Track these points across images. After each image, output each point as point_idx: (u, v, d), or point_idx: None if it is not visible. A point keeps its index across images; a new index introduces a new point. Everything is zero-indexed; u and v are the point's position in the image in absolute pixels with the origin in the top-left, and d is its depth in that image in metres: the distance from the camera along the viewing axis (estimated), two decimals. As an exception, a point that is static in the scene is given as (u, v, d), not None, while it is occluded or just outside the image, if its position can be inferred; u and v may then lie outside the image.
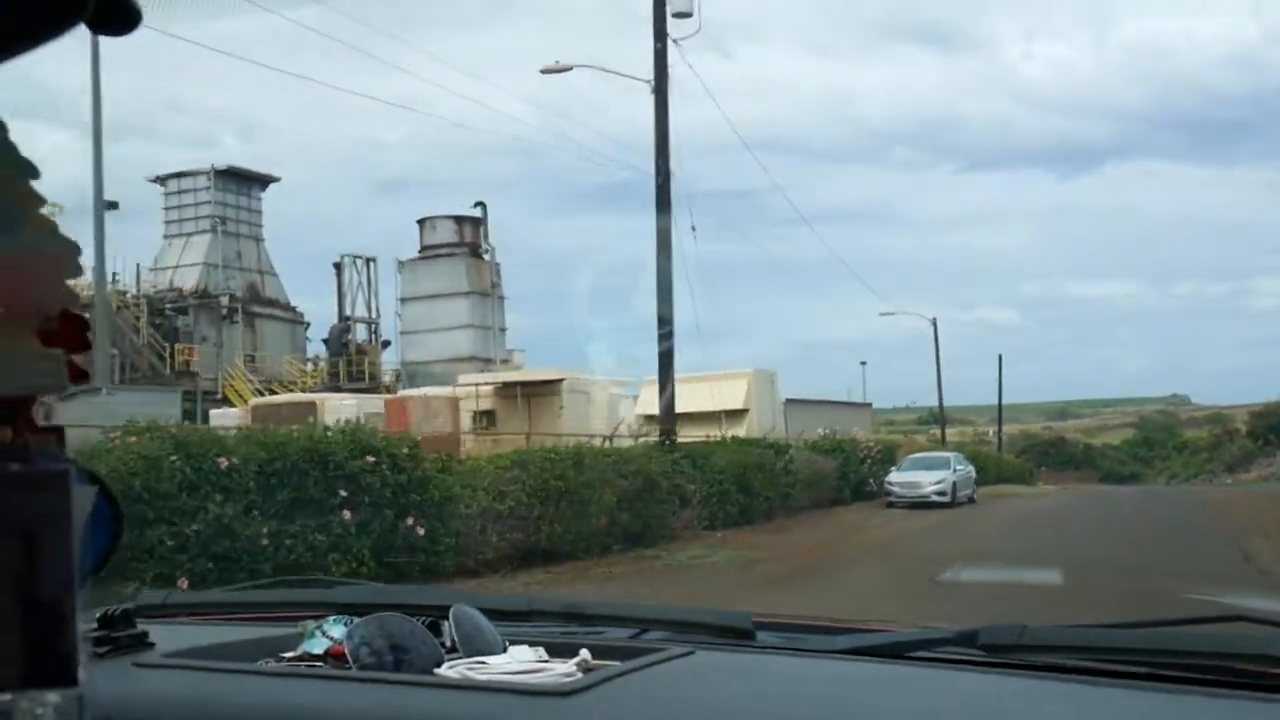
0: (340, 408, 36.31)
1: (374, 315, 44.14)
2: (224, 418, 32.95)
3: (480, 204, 43.29)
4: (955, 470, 31.09)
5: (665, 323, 21.83)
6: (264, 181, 45.63)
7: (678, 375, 42.88)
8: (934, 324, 48.96)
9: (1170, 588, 11.42)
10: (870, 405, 69.33)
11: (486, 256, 43.89)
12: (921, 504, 29.28)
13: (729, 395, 40.88)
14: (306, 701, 1.44)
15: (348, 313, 44.48)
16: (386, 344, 44.49)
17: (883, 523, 25.11)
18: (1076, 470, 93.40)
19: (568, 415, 35.23)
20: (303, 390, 40.44)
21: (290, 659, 1.66)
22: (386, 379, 43.64)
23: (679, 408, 39.66)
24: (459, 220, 43.20)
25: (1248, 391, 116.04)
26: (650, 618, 1.90)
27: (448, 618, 1.67)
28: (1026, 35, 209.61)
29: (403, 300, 43.91)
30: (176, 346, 39.91)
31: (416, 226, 44.15)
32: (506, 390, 35.57)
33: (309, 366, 45.01)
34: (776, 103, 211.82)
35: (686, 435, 27.31)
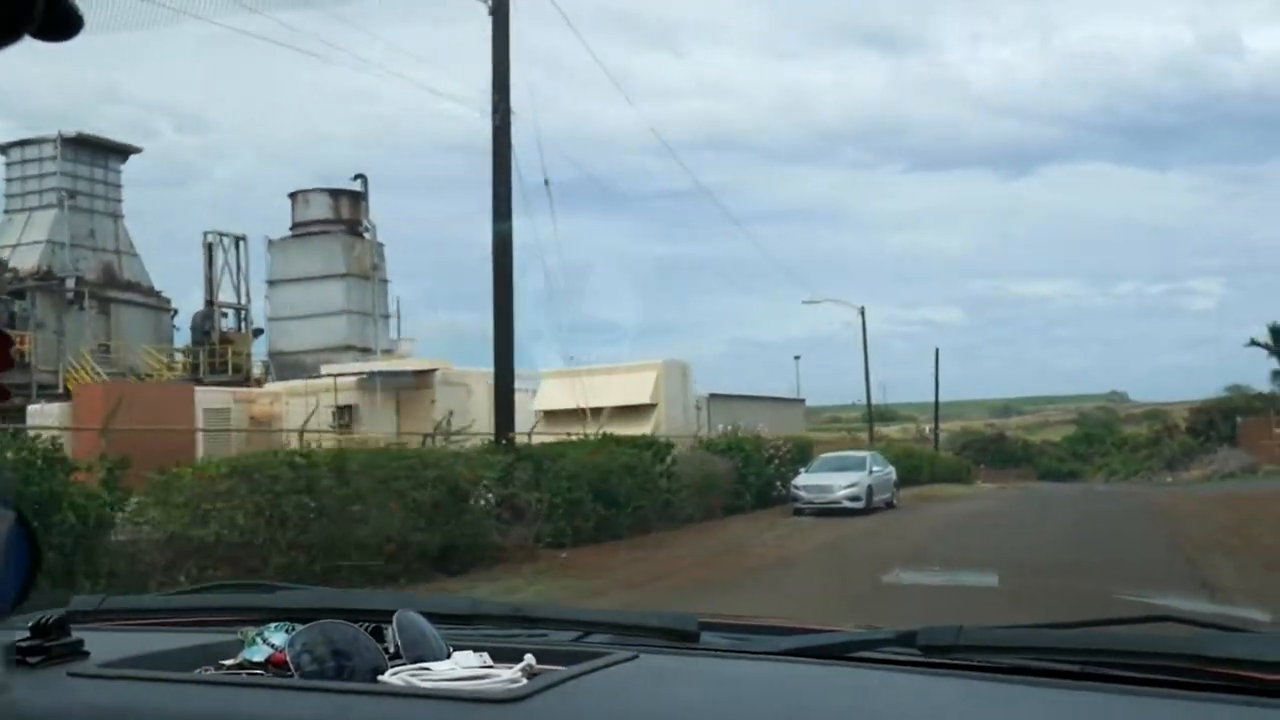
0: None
1: (243, 300, 39.47)
2: (42, 415, 28.38)
3: (360, 177, 38.81)
4: (871, 472, 27.15)
5: (503, 309, 17.62)
6: (123, 152, 40.79)
7: (581, 367, 38.83)
8: (861, 312, 45.22)
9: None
10: (804, 401, 65.69)
11: (367, 235, 39.38)
12: (832, 510, 25.38)
13: (634, 389, 36.75)
14: (248, 711, 1.41)
15: (222, 298, 39.86)
16: (259, 332, 39.89)
17: (780, 536, 21.11)
18: (1016, 467, 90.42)
19: (441, 410, 31.04)
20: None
21: (230, 667, 1.63)
22: (257, 371, 39.05)
23: (580, 402, 35.81)
24: (335, 194, 38.63)
25: (1184, 389, 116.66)
26: (595, 620, 1.89)
27: (391, 623, 1.63)
28: (972, 39, 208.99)
29: (271, 283, 39.31)
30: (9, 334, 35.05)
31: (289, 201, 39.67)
32: (372, 383, 31.19)
33: (178, 357, 40.32)
34: (727, 102, 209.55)
35: (586, 432, 23.43)
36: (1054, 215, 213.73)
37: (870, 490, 26.24)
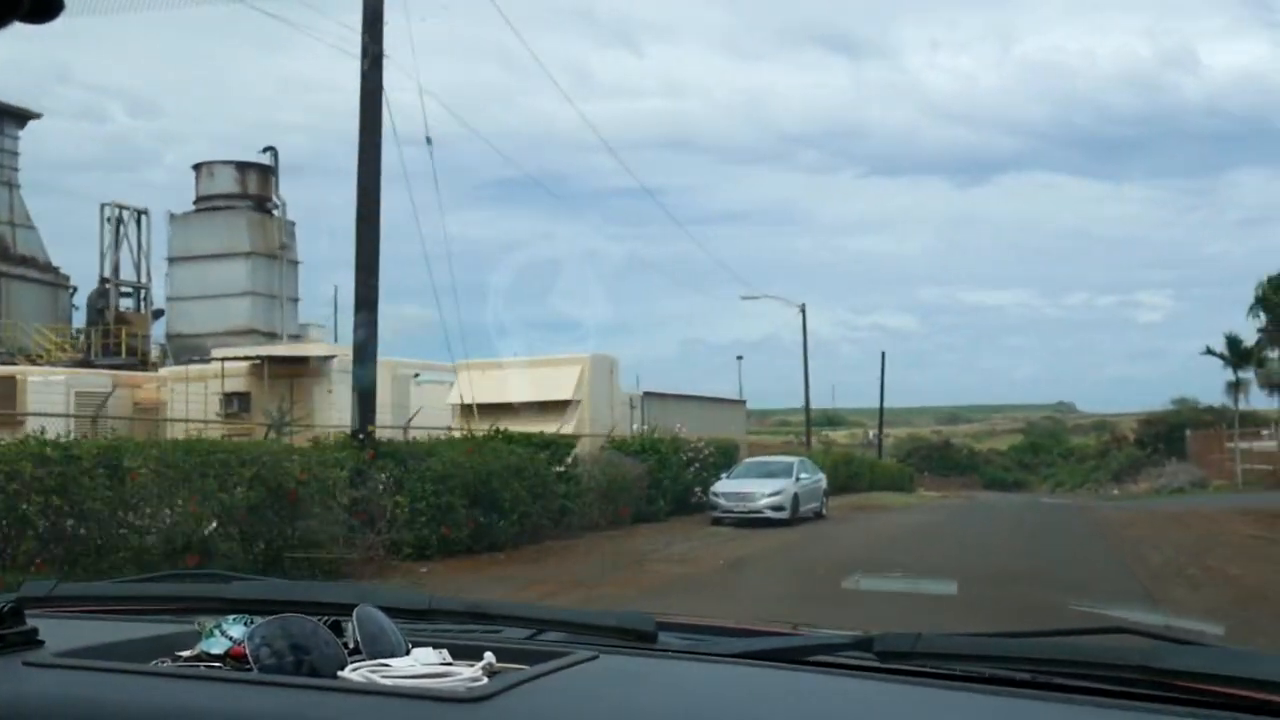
0: (48, 385, 28.96)
1: (144, 278, 36.50)
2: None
3: (270, 149, 35.91)
4: (799, 479, 24.82)
5: (367, 271, 15.07)
6: (20, 117, 37.67)
7: (502, 359, 36.33)
8: (801, 310, 43.00)
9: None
10: (744, 402, 63.55)
11: (276, 213, 36.55)
12: (754, 520, 23.08)
13: (556, 384, 34.23)
14: (207, 704, 1.38)
15: (126, 276, 36.86)
16: (159, 313, 36.90)
17: (689, 548, 18.74)
18: (961, 476, 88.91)
19: (338, 399, 28.43)
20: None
21: (188, 659, 1.59)
22: (155, 353, 36.10)
23: (496, 397, 33.27)
24: (242, 167, 35.74)
25: (1131, 400, 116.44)
26: (553, 619, 1.87)
27: (350, 617, 1.61)
28: (931, 46, 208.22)
29: (171, 260, 36.35)
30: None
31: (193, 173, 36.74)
32: (264, 369, 28.48)
33: (74, 338, 37.24)
34: (687, 102, 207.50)
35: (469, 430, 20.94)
36: (1008, 224, 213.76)
37: (796, 499, 23.93)
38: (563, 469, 19.42)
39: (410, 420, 22.21)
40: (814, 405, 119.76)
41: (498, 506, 16.32)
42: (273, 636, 1.49)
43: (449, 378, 35.85)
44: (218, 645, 1.58)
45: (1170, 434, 68.02)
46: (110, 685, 1.41)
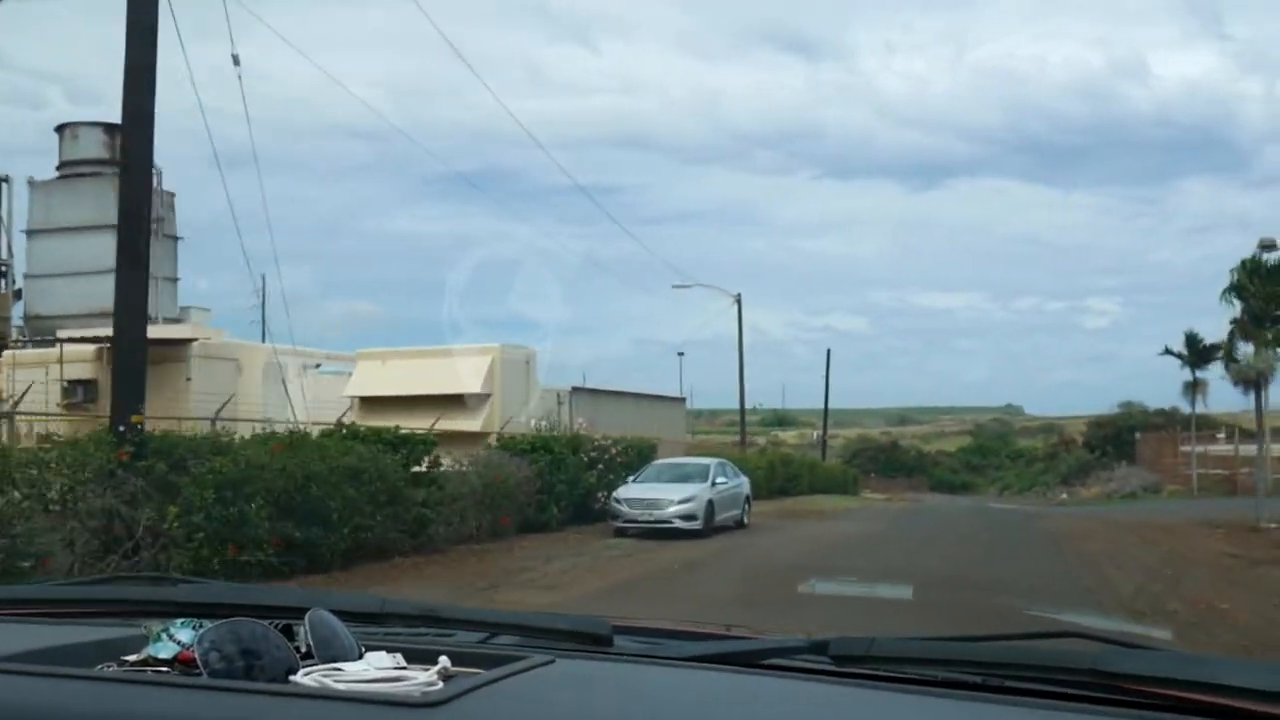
0: None
1: (5, 254, 32.61)
2: None
3: (147, 112, 32.22)
4: (715, 484, 21.65)
5: (132, 216, 11.68)
6: None
7: (404, 347, 32.84)
8: (737, 301, 39.94)
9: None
10: (684, 400, 60.57)
11: (153, 181, 32.87)
12: (661, 530, 19.94)
13: (463, 376, 30.82)
14: (155, 710, 1.33)
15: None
16: (20, 293, 33.05)
17: (572, 566, 15.51)
18: (908, 477, 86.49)
19: (198, 389, 24.93)
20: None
21: (134, 664, 1.51)
22: (15, 337, 32.22)
23: (396, 389, 29.85)
24: (111, 130, 31.93)
25: (1078, 404, 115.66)
26: (507, 623, 1.84)
27: (301, 620, 1.56)
28: (886, 49, 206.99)
29: (30, 233, 32.54)
30: None
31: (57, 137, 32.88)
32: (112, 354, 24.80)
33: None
34: (643, 100, 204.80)
35: (408, 425, 17.82)
36: (960, 229, 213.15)
37: (711, 507, 20.77)
38: (423, 471, 16.13)
39: (220, 410, 18.68)
40: (766, 405, 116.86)
41: (321, 518, 13.01)
42: (222, 640, 1.44)
43: (349, 368, 32.44)
44: (165, 650, 1.51)
45: (1119, 437, 65.92)
46: (54, 691, 1.35)
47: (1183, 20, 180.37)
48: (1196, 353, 39.86)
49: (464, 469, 18.21)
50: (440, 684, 1.41)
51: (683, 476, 21.62)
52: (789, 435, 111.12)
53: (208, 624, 1.50)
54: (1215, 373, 44.78)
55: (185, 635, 1.52)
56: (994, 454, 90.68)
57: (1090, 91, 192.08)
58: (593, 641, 1.69)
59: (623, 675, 1.58)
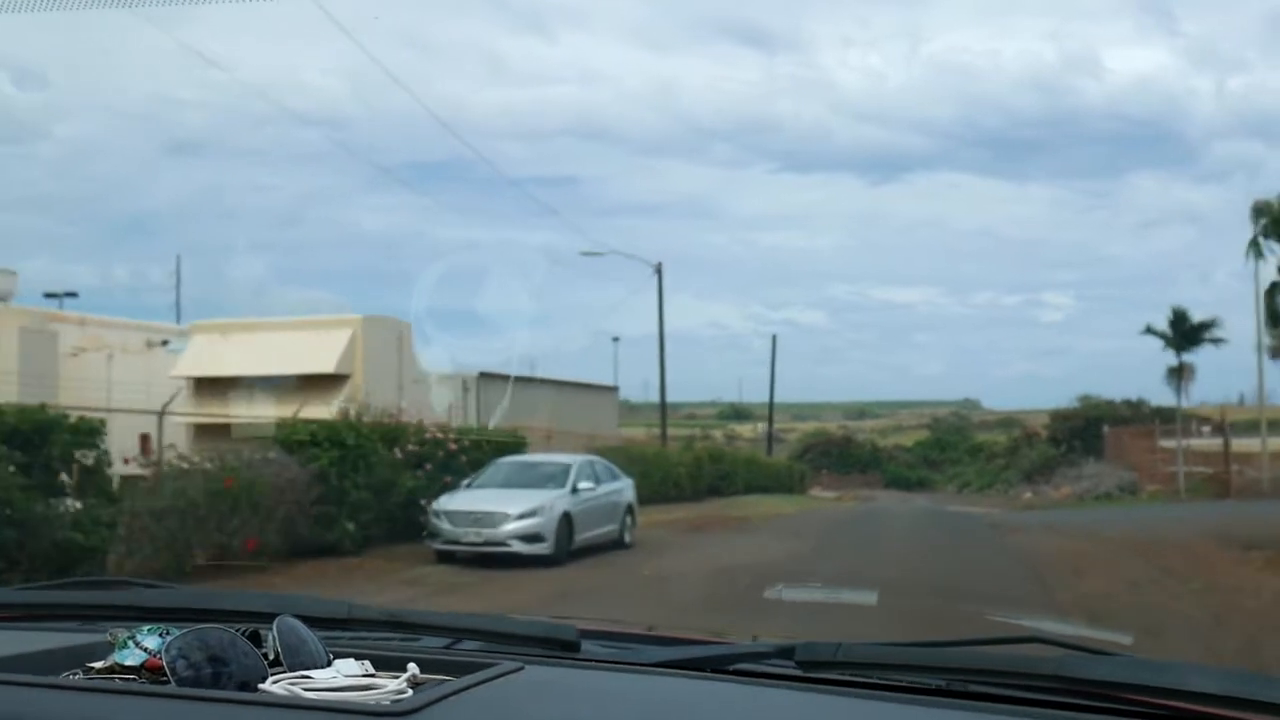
0: None
1: None
2: None
3: None
4: (577, 490, 15.69)
5: None
6: None
7: (249, 319, 26.70)
8: (657, 271, 34.03)
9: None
10: (616, 388, 54.78)
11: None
12: (496, 556, 14.15)
13: (316, 352, 24.78)
14: (122, 719, 1.30)
15: None
16: None
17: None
18: (863, 473, 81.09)
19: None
20: None
21: (100, 671, 1.47)
22: None
23: (237, 369, 23.81)
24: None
25: (1035, 398, 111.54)
26: (475, 628, 1.79)
27: (268, 626, 1.51)
28: (843, 43, 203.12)
29: None
30: None
31: None
32: None
33: None
34: (600, 92, 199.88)
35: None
36: (917, 223, 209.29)
37: (568, 522, 14.90)
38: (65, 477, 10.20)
39: None
40: (724, 399, 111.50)
41: None
42: (190, 648, 1.39)
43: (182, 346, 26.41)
44: (132, 657, 1.45)
45: (1086, 430, 60.86)
46: (17, 700, 1.31)
47: (1135, 16, 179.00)
48: (1182, 333, 34.65)
49: (185, 467, 12.28)
50: (410, 692, 1.38)
51: (533, 480, 15.66)
52: (745, 429, 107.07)
53: (174, 630, 1.44)
54: (1203, 357, 39.47)
55: (152, 642, 1.46)
56: (952, 448, 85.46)
57: (1044, 86, 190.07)
58: (560, 647, 1.67)
59: (591, 682, 1.56)
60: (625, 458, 26.74)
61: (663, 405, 33.46)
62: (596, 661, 1.66)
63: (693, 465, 32.32)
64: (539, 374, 40.49)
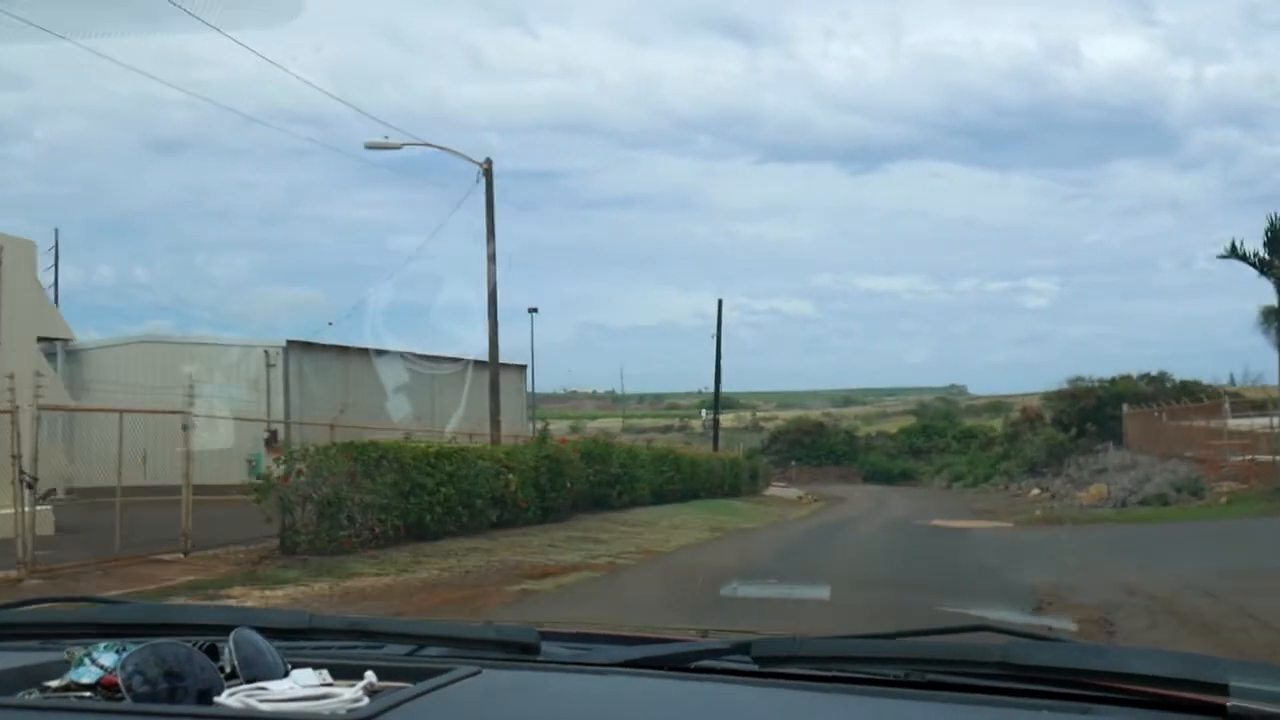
0: None
1: None
2: None
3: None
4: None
5: None
6: None
7: None
8: (486, 172, 21.72)
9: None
10: (523, 367, 42.68)
11: None
12: None
13: None
14: None
15: None
16: None
17: None
18: (838, 465, 69.16)
19: None
20: None
21: (56, 689, 1.42)
22: None
23: None
24: None
25: (1019, 383, 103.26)
26: (435, 634, 1.75)
27: (225, 639, 1.46)
28: (825, 34, 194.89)
29: None
30: None
31: None
32: None
33: None
34: (582, 85, 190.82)
35: None
36: (900, 212, 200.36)
37: None
38: None
39: None
40: (703, 388, 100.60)
41: None
42: (145, 664, 1.35)
43: None
44: (88, 674, 1.41)
45: (1098, 411, 49.05)
46: None
47: (1113, 6, 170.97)
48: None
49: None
50: (365, 700, 1.35)
51: None
52: (727, 418, 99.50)
53: (131, 646, 1.41)
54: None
55: (108, 659, 1.41)
56: (940, 434, 73.45)
57: (1025, 75, 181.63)
58: (520, 650, 1.63)
59: (548, 684, 1.53)
60: (412, 459, 15.14)
61: (494, 376, 21.31)
62: (555, 663, 1.62)
63: (546, 469, 20.29)
64: (370, 344, 28.52)
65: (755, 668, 1.53)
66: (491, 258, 20.30)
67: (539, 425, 46.36)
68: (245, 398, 27.07)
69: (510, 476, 18.48)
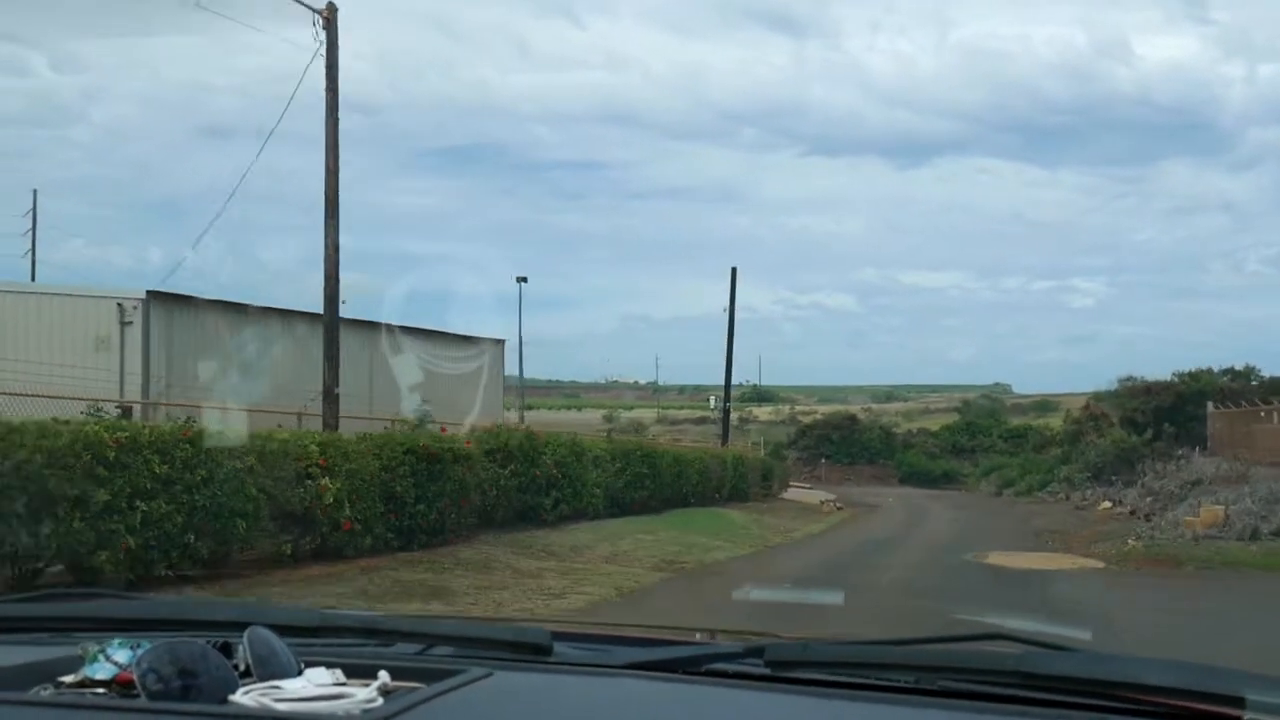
0: None
1: None
2: None
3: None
4: None
5: None
6: None
7: None
8: (327, 17, 14.67)
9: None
10: (503, 342, 35.84)
11: None
12: None
13: None
14: None
15: None
16: None
17: None
18: (871, 464, 61.47)
19: None
20: None
21: (71, 685, 1.38)
22: None
23: None
24: None
25: (1064, 383, 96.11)
26: (448, 634, 1.69)
27: (239, 636, 1.43)
28: (871, 28, 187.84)
29: None
30: None
31: None
32: None
33: None
34: (628, 76, 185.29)
35: None
36: (945, 207, 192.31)
37: None
38: None
39: None
40: (745, 381, 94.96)
41: None
42: (160, 661, 1.32)
43: None
44: (103, 670, 1.38)
45: (1175, 410, 41.19)
46: None
47: (1165, 3, 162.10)
48: None
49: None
50: (380, 700, 1.33)
51: None
52: (764, 411, 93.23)
53: (145, 643, 1.38)
54: None
55: (123, 656, 1.39)
56: (985, 433, 65.58)
57: (1074, 71, 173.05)
58: (532, 651, 1.57)
59: (561, 686, 1.49)
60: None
61: (330, 325, 14.06)
62: (568, 665, 1.57)
63: (410, 471, 13.31)
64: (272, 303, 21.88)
65: (768, 672, 1.50)
66: (333, 145, 13.22)
67: (509, 413, 39.21)
68: (91, 366, 20.41)
69: (326, 482, 11.47)
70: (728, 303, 37.86)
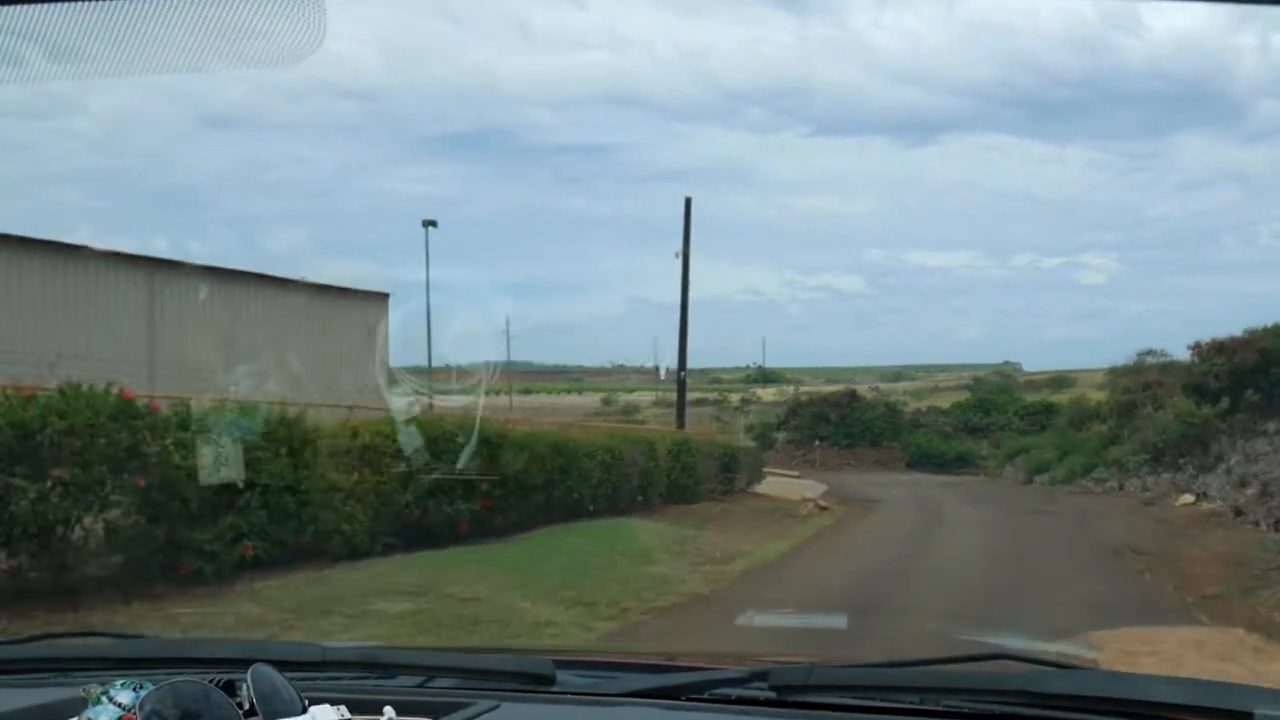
0: None
1: None
2: None
3: None
4: None
5: None
6: None
7: None
8: None
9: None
10: (385, 296, 26.97)
11: None
12: None
13: None
14: None
15: None
16: None
17: None
18: (874, 447, 52.57)
19: None
20: None
21: None
22: None
23: None
24: None
25: (1075, 361, 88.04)
26: (450, 666, 1.70)
27: (241, 673, 1.40)
28: (876, 3, 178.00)
29: None
30: None
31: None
32: None
33: None
34: (630, 57, 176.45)
35: None
36: (953, 185, 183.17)
37: None
38: None
39: None
40: (751, 363, 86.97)
41: None
42: (164, 702, 1.31)
43: None
44: (106, 713, 1.35)
45: (1254, 374, 32.05)
46: None
47: None
48: None
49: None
50: None
51: None
52: (769, 393, 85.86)
53: (148, 684, 1.35)
54: None
55: (126, 697, 1.36)
56: (1000, 410, 56.66)
57: (1083, 44, 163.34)
58: (536, 681, 1.57)
59: (568, 717, 1.49)
60: None
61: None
62: (572, 694, 1.55)
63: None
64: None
65: (773, 695, 1.48)
66: None
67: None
68: None
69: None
70: (680, 246, 28.88)
